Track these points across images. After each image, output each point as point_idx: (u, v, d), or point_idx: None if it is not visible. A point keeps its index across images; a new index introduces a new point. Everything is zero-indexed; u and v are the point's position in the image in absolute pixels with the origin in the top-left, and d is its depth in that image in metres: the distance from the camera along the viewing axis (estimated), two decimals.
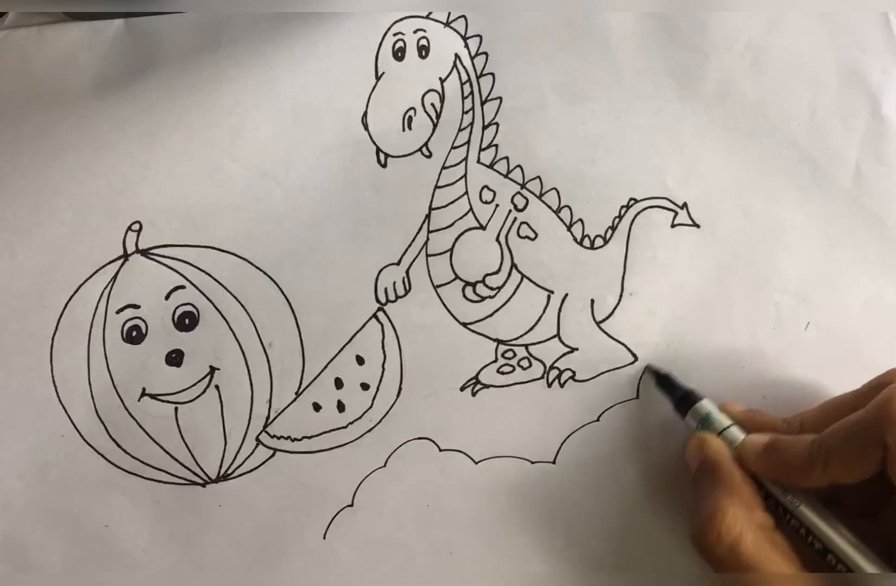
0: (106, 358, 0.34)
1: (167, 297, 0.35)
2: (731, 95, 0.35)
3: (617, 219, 0.35)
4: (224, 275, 0.35)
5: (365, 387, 0.35)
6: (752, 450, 0.30)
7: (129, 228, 0.34)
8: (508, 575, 0.35)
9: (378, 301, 0.35)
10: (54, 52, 0.36)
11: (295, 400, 0.35)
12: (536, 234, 0.35)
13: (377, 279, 0.35)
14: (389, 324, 0.35)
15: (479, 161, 0.35)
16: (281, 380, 0.35)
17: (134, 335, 0.35)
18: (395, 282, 0.35)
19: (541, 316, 0.35)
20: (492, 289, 0.35)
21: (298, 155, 0.35)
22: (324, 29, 0.34)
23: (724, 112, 0.35)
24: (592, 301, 0.35)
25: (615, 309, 0.35)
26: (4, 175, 0.34)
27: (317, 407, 0.35)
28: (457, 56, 0.35)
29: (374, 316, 0.35)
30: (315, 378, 0.35)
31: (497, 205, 0.35)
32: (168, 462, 0.35)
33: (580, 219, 0.35)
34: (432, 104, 0.35)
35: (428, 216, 0.35)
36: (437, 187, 0.35)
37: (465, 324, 0.35)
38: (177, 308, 0.35)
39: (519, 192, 0.35)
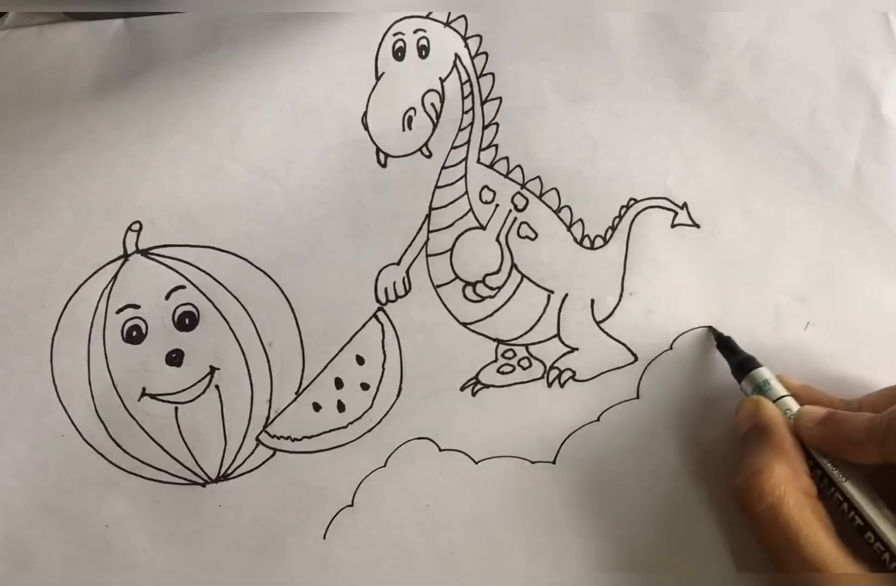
0: (106, 358, 0.34)
1: (167, 297, 0.35)
2: (731, 95, 0.35)
3: (617, 219, 0.35)
4: (224, 275, 0.35)
5: (365, 387, 0.35)
6: (809, 420, 0.31)
7: (129, 228, 0.34)
8: (508, 575, 0.35)
9: (378, 301, 0.35)
10: (54, 52, 0.36)
11: (295, 400, 0.35)
12: (536, 234, 0.35)
13: (377, 279, 0.35)
14: (389, 324, 0.35)
15: (479, 161, 0.35)
16: (281, 380, 0.35)
17: (134, 335, 0.35)
18: (395, 282, 0.35)
19: (541, 316, 0.35)
20: (492, 288, 0.35)
21: (298, 155, 0.35)
22: (324, 29, 0.34)
23: (724, 112, 0.35)
24: (592, 301, 0.35)
25: (615, 309, 0.35)
26: (4, 175, 0.34)
27: (317, 407, 0.35)
28: (457, 56, 0.35)
29: (374, 316, 0.35)
30: (315, 378, 0.35)
31: (497, 205, 0.35)
32: (168, 462, 0.35)
33: (580, 219, 0.35)
34: (432, 104, 0.35)
35: (428, 216, 0.35)
36: (437, 187, 0.35)
37: (465, 324, 0.35)
38: (177, 308, 0.35)
39: (519, 192, 0.35)
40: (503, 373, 0.35)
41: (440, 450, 0.35)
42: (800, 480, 0.29)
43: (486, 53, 0.35)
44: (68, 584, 0.34)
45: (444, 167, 0.35)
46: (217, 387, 0.35)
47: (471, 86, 0.35)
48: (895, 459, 0.28)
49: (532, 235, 0.35)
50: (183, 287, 0.35)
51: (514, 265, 0.35)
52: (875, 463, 0.29)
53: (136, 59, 0.35)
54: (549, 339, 0.35)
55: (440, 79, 0.35)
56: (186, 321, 0.35)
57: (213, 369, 0.35)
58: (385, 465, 0.35)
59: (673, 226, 0.35)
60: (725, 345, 0.34)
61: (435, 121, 0.35)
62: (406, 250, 0.35)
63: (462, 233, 0.35)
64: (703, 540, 0.34)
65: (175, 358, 0.35)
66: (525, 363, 0.35)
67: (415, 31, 0.35)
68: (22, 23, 0.36)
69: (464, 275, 0.35)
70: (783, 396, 0.32)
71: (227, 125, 0.34)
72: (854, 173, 0.35)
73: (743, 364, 0.33)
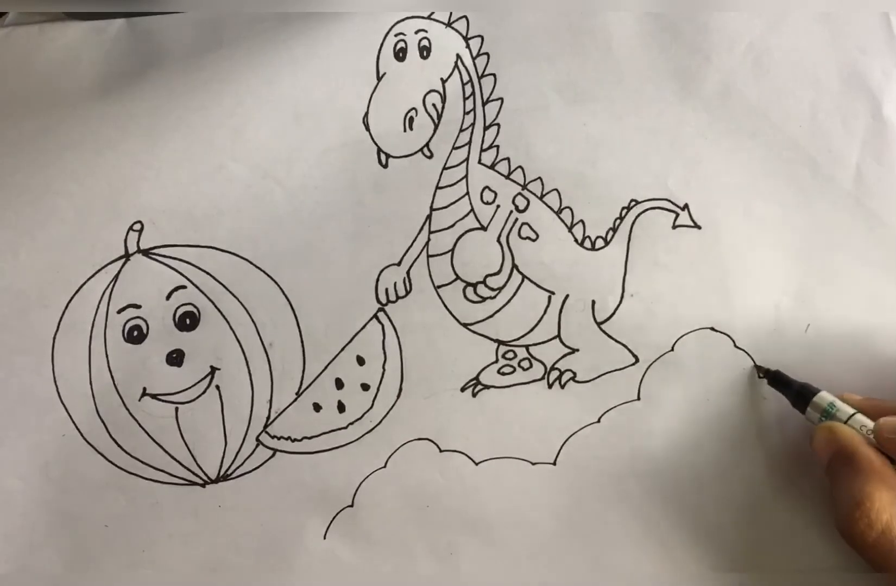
0: (107, 357, 0.35)
1: (168, 297, 0.35)
2: (732, 96, 0.35)
3: (618, 221, 0.35)
4: (225, 275, 0.35)
5: (365, 387, 0.35)
6: (890, 431, 0.30)
7: (131, 228, 0.35)
8: (508, 575, 0.35)
9: (379, 301, 0.35)
10: (56, 51, 0.36)
11: (295, 400, 0.35)
12: (537, 235, 0.35)
13: (378, 279, 0.35)
14: (390, 324, 0.35)
15: (480, 162, 0.35)
16: (281, 381, 0.35)
17: (135, 335, 0.35)
18: (395, 283, 0.35)
19: (541, 317, 0.35)
20: (493, 289, 0.35)
21: (299, 155, 0.35)
22: (325, 29, 0.35)
23: (726, 113, 0.35)
24: (593, 302, 0.35)
25: (616, 310, 0.35)
26: (6, 174, 0.34)
27: (317, 407, 0.35)
28: (458, 56, 0.35)
29: (375, 316, 0.35)
30: (315, 378, 0.35)
31: (498, 206, 0.35)
32: (168, 462, 0.35)
33: (581, 220, 0.35)
34: (433, 105, 0.35)
35: (429, 217, 0.35)
36: (438, 188, 0.35)
37: (465, 325, 0.35)
38: (178, 308, 0.35)
39: (520, 193, 0.35)
40: (504, 373, 0.35)
41: (440, 451, 0.35)
42: None
43: (487, 54, 0.35)
44: (68, 584, 0.34)
45: (445, 168, 0.35)
46: (217, 387, 0.35)
47: (472, 86, 0.35)
48: None
49: (533, 236, 0.35)
50: (184, 287, 0.35)
51: (514, 266, 0.35)
52: None
53: (138, 59, 0.35)
54: (549, 340, 0.35)
55: (441, 79, 0.35)
56: (187, 321, 0.35)
57: (213, 369, 0.35)
58: (385, 466, 0.35)
59: (674, 227, 0.35)
60: (777, 378, 0.34)
61: (436, 121, 0.35)
62: (407, 251, 0.35)
63: (463, 234, 0.35)
64: (702, 541, 0.34)
65: (176, 358, 0.35)
66: (525, 364, 0.35)
67: (416, 32, 0.35)
68: (22, 22, 0.36)
69: (465, 276, 0.35)
70: (853, 414, 0.31)
71: (229, 125, 0.34)
72: (855, 174, 0.35)
73: (801, 393, 0.33)
